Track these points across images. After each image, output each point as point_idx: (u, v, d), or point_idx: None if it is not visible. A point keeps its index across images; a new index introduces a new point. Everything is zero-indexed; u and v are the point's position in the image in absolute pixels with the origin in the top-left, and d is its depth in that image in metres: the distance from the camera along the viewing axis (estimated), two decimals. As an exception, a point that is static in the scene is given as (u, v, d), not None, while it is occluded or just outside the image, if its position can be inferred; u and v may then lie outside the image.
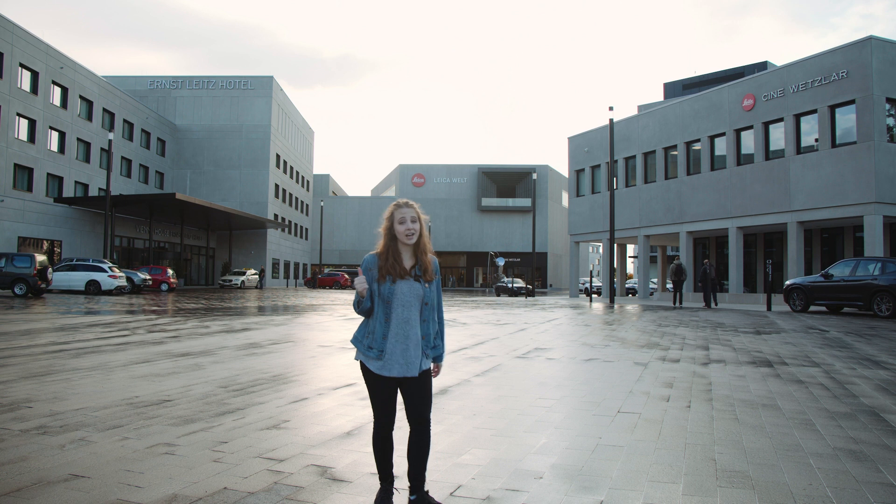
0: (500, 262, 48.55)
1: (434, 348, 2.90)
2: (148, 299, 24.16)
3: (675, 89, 64.48)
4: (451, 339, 10.47)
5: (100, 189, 40.20)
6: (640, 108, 56.58)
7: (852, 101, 22.73)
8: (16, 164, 32.98)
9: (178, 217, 43.24)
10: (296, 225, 64.15)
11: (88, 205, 36.68)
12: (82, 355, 7.69)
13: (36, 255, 23.95)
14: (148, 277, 32.48)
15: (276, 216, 55.63)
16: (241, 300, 25.03)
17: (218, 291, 37.21)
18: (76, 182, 38.58)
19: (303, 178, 66.96)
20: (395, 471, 3.11)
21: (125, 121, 44.50)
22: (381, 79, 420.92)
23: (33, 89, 34.43)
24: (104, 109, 41.65)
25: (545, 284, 67.92)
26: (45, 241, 34.50)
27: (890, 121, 22.61)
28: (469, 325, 13.64)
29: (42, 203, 34.31)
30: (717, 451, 3.84)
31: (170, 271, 35.26)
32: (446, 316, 16.36)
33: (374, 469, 3.29)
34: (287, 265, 61.12)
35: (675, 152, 30.76)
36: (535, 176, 43.56)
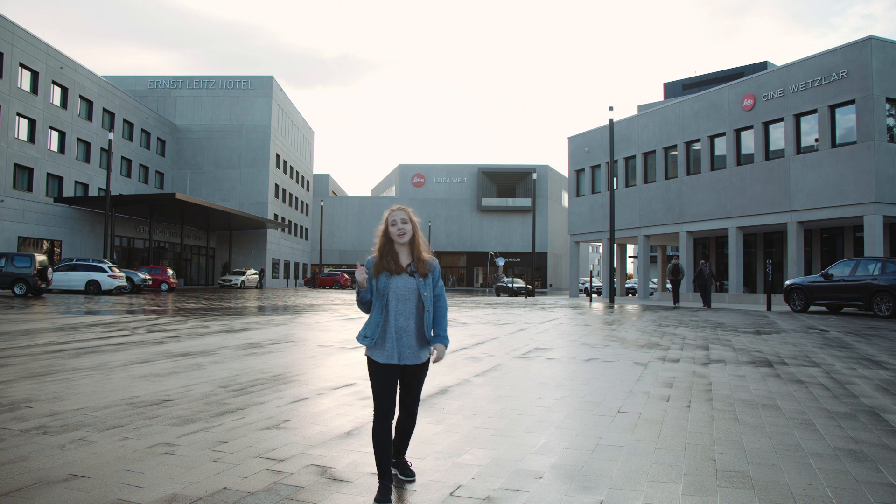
0: (500, 262, 48.57)
1: (434, 337, 3.14)
2: (148, 299, 24.16)
3: (675, 89, 64.49)
4: (452, 339, 10.47)
5: (100, 189, 40.20)
6: (640, 108, 56.58)
7: (852, 101, 22.73)
8: (16, 164, 32.99)
9: (178, 217, 43.25)
10: (296, 225, 64.16)
11: (88, 205, 36.69)
12: (82, 355, 7.69)
13: (36, 255, 23.95)
14: (148, 277, 32.49)
15: (276, 216, 55.64)
16: (241, 300, 25.03)
17: (218, 291, 37.21)
18: (76, 182, 38.58)
19: (303, 178, 66.97)
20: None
21: (125, 121, 44.51)
22: (381, 79, 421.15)
23: (33, 89, 34.44)
24: (104, 109, 41.66)
25: (545, 284, 67.93)
26: (45, 241, 34.51)
27: (890, 121, 22.61)
28: (469, 324, 13.64)
29: (42, 203, 34.32)
30: (717, 451, 3.84)
31: (170, 271, 35.27)
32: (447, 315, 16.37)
33: (374, 469, 3.28)
34: (287, 265, 61.13)
35: (675, 152, 30.76)
36: (535, 176, 43.56)
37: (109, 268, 27.98)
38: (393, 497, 3.00)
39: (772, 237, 28.35)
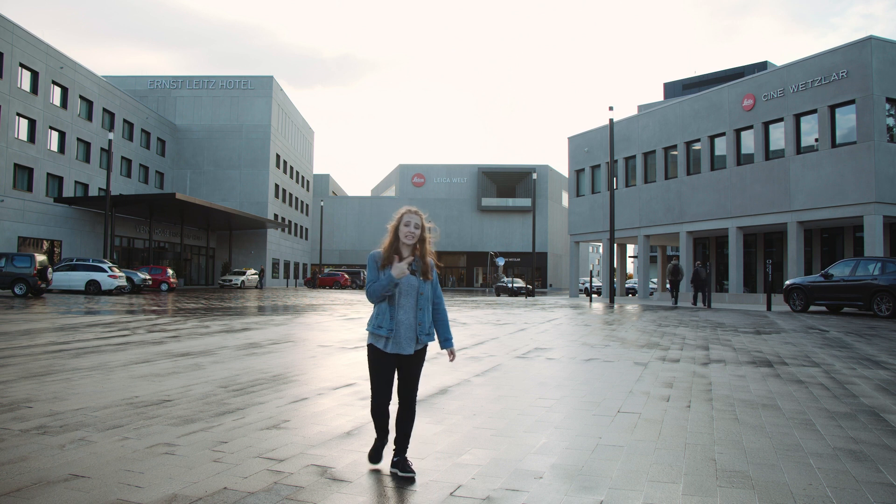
0: (500, 262, 48.57)
1: (429, 335, 3.37)
2: (148, 299, 24.16)
3: (675, 89, 64.49)
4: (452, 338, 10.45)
5: (100, 189, 40.20)
6: (640, 108, 56.59)
7: (852, 101, 22.73)
8: (16, 164, 32.99)
9: (178, 217, 43.25)
10: (296, 225, 64.16)
11: (88, 205, 36.69)
12: (82, 355, 7.69)
13: (36, 255, 23.95)
14: (148, 277, 32.49)
15: (276, 216, 55.64)
16: (241, 300, 25.04)
17: (218, 291, 37.22)
18: (76, 182, 38.58)
19: (303, 178, 66.96)
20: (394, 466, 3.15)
21: (125, 121, 44.51)
22: (381, 79, 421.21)
23: (33, 89, 34.44)
24: (104, 109, 41.65)
25: (545, 284, 67.93)
26: (45, 241, 34.51)
27: (890, 121, 22.61)
28: (469, 324, 13.64)
29: (42, 203, 34.32)
30: (717, 451, 3.84)
31: (170, 271, 35.27)
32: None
33: (374, 469, 3.44)
34: (287, 265, 61.14)
35: (675, 152, 30.77)
36: (535, 176, 43.57)
37: (109, 268, 27.98)
38: (393, 495, 3.01)
39: (772, 237, 28.35)
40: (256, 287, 46.37)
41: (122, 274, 28.84)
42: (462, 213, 69.23)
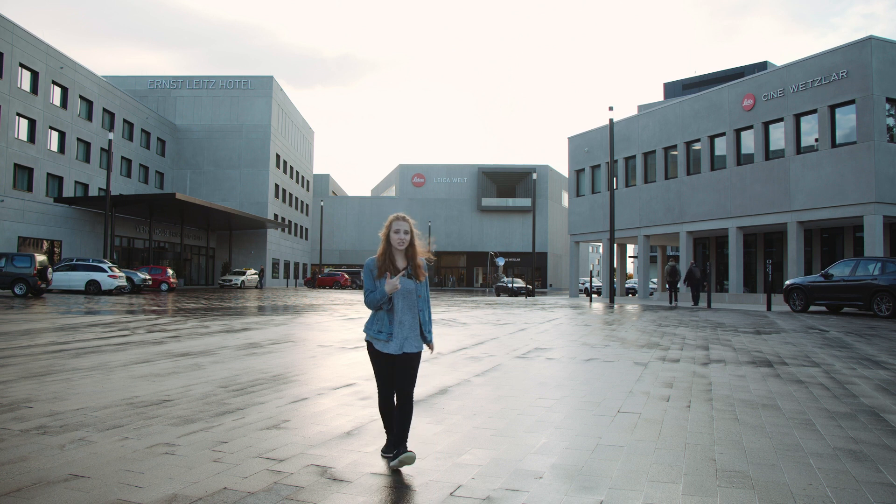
0: (500, 262, 48.57)
1: (429, 332, 3.60)
2: (148, 299, 24.16)
3: (675, 89, 64.50)
4: (451, 339, 10.48)
5: (100, 189, 40.20)
6: (640, 108, 56.59)
7: (852, 101, 22.73)
8: (16, 164, 32.98)
9: (178, 217, 43.25)
10: (296, 225, 64.16)
11: (88, 205, 36.68)
12: (82, 355, 7.69)
13: (36, 255, 23.95)
14: (148, 277, 32.49)
15: (276, 216, 55.64)
16: (241, 300, 25.04)
17: (218, 291, 37.22)
18: (76, 182, 38.58)
19: (303, 178, 66.97)
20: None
21: (125, 121, 44.51)
22: (381, 79, 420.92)
23: (33, 89, 34.43)
24: (104, 109, 41.65)
25: (545, 284, 67.94)
26: (45, 241, 34.51)
27: (890, 121, 22.61)
28: (469, 325, 13.64)
29: (42, 203, 34.32)
30: (717, 451, 3.84)
31: (170, 271, 35.27)
32: (446, 316, 16.55)
33: (374, 470, 3.45)
34: (287, 265, 61.14)
35: (675, 152, 30.77)
36: (535, 176, 43.56)
37: (109, 268, 27.98)
38: (393, 495, 3.02)
39: (772, 237, 28.35)
40: (256, 287, 46.37)
41: (122, 274, 28.83)
42: (462, 213, 69.24)
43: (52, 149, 36.15)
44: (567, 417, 4.73)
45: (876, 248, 21.89)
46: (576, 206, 37.90)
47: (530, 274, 49.75)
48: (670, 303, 25.29)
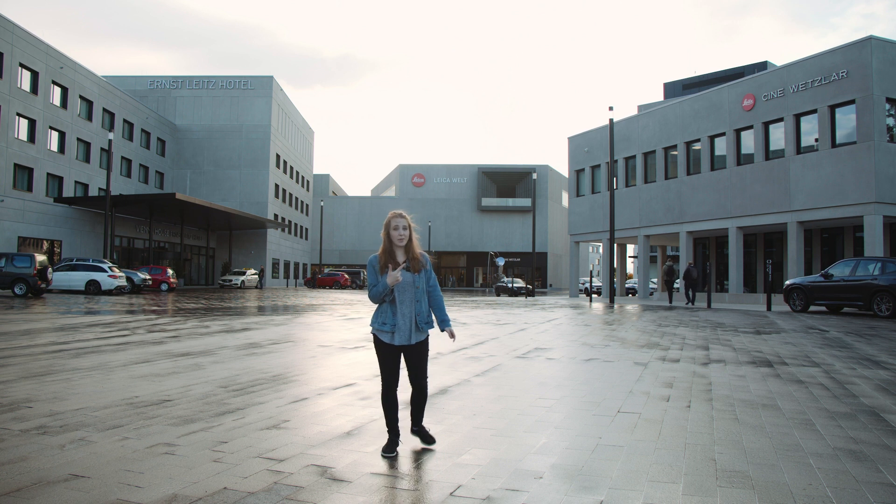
0: (500, 262, 48.58)
1: (428, 323, 3.76)
2: (148, 299, 24.16)
3: (675, 89, 64.49)
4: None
5: (100, 189, 40.20)
6: (640, 108, 56.58)
7: (852, 101, 22.73)
8: (16, 164, 32.99)
9: (178, 217, 43.25)
10: (296, 225, 64.16)
11: (88, 205, 36.68)
12: (82, 355, 7.69)
13: (36, 255, 23.95)
14: (148, 277, 32.49)
15: (276, 216, 55.64)
16: (241, 300, 25.03)
17: (218, 291, 37.21)
18: (76, 182, 38.58)
19: (303, 178, 66.96)
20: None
21: (125, 121, 44.51)
22: (381, 79, 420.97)
23: (33, 89, 34.44)
24: (104, 109, 41.66)
25: (545, 284, 67.93)
26: (45, 241, 34.51)
27: (890, 121, 22.61)
28: (469, 324, 13.64)
29: (42, 203, 34.32)
30: (717, 451, 3.84)
31: (170, 271, 35.27)
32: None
33: (374, 470, 3.43)
34: (287, 265, 61.13)
35: (675, 152, 30.76)
36: (535, 176, 43.56)
37: (109, 268, 27.98)
38: (393, 495, 3.01)
39: (772, 237, 28.35)
40: (256, 287, 46.37)
41: (122, 274, 28.83)
42: (462, 213, 69.24)
43: (52, 149, 36.15)
44: (567, 417, 4.73)
45: (876, 248, 21.88)
46: (576, 206, 37.89)
47: (530, 274, 49.74)
48: (670, 303, 25.39)
